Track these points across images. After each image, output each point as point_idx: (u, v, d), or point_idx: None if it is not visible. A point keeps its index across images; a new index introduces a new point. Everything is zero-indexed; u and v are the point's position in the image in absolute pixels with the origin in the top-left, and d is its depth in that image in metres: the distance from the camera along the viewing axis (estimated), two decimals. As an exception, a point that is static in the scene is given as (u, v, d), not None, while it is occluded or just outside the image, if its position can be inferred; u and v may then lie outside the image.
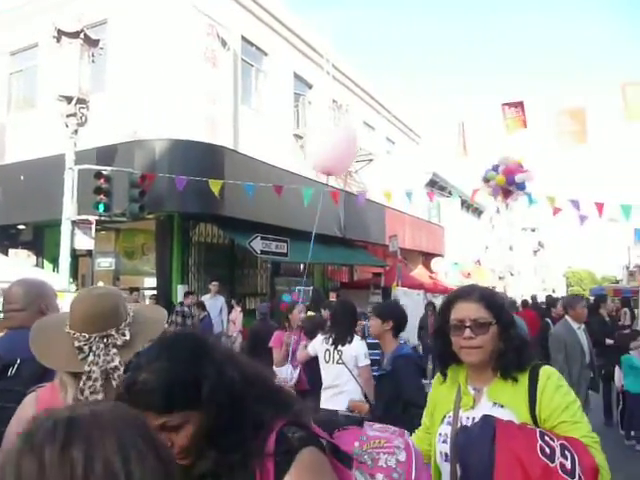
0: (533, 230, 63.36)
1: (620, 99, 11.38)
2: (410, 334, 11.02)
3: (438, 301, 17.72)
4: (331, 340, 4.23)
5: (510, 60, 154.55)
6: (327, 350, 4.24)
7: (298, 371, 5.12)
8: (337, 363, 4.16)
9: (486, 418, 1.54)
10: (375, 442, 1.36)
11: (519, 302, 20.79)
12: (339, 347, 4.16)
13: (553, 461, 1.38)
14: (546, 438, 1.45)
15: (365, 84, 19.12)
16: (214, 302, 10.40)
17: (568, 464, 1.39)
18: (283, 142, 14.26)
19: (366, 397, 4.18)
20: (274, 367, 5.12)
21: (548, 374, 1.67)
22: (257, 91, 14.00)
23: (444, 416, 1.78)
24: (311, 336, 4.76)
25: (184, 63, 10.90)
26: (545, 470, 1.36)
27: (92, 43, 8.82)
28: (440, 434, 1.76)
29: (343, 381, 4.13)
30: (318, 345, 4.38)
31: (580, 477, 1.37)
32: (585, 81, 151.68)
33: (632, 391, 6.69)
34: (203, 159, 10.17)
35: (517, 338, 1.71)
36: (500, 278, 38.41)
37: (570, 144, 12.05)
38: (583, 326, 5.59)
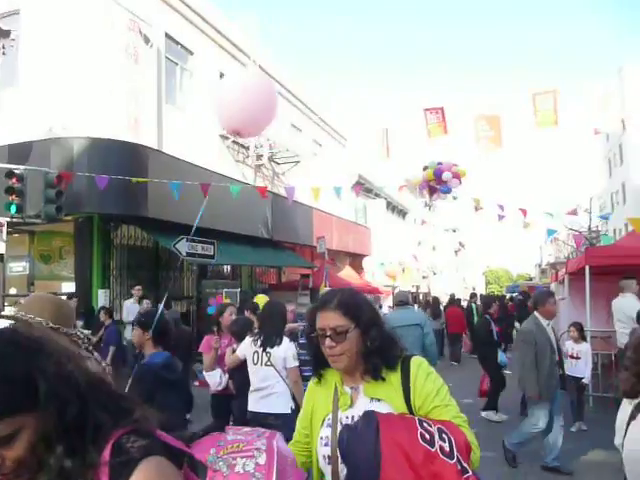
0: (454, 231, 66.00)
1: (531, 107, 12.22)
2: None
3: (365, 301, 18.09)
4: (259, 342, 4.22)
5: (433, 66, 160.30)
6: (255, 352, 4.22)
7: (227, 376, 5.06)
8: (265, 365, 4.16)
9: (368, 413, 1.56)
10: (233, 446, 1.32)
11: (446, 300, 21.59)
12: (268, 349, 4.16)
13: (433, 446, 1.43)
14: (424, 424, 1.50)
15: (292, 86, 19.19)
16: (137, 307, 10.00)
17: (447, 446, 1.45)
18: (209, 143, 14.04)
19: (294, 398, 4.21)
20: (204, 372, 5.02)
21: (418, 363, 1.74)
22: (182, 90, 13.70)
23: (324, 419, 1.78)
24: (240, 339, 4.72)
25: (104, 58, 10.49)
26: (427, 455, 1.41)
27: (2, 34, 8.31)
28: (321, 437, 1.76)
29: (272, 383, 4.13)
30: (246, 347, 4.35)
31: (458, 457, 1.44)
32: (500, 88, 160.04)
33: None
34: (125, 159, 9.84)
35: (379, 338, 1.72)
36: (424, 277, 39.81)
37: (487, 148, 12.76)
38: (552, 322, 5.47)
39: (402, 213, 34.89)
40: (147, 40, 11.62)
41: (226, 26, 15.12)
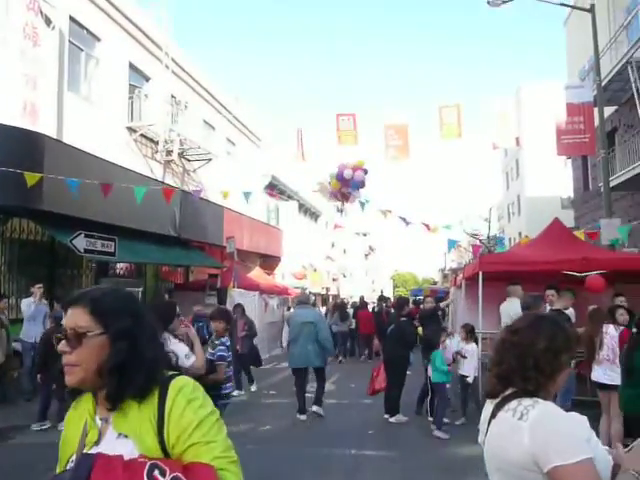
0: (365, 235, 67.78)
1: (437, 119, 12.80)
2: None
3: (274, 302, 18.10)
4: None
5: (347, 73, 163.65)
6: None
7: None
8: None
9: (84, 457, 1.30)
10: None
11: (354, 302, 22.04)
12: None
13: None
14: (155, 473, 1.24)
15: (206, 82, 18.82)
16: (39, 307, 9.20)
17: None
18: (115, 135, 13.42)
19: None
20: None
21: (179, 387, 1.39)
22: (87, 78, 12.99)
23: (68, 459, 1.41)
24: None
25: (-2, 37, 9.72)
26: None
27: None
28: None
29: None
30: None
31: None
32: (409, 100, 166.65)
33: (435, 381, 7.45)
34: (18, 146, 9.14)
35: (125, 352, 1.38)
36: (334, 279, 40.48)
37: (394, 157, 13.21)
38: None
39: (315, 216, 35.27)
40: (49, 22, 10.90)
41: (137, 14, 14.54)
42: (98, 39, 13.10)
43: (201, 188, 14.24)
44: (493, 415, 1.71)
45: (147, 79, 15.37)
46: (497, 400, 1.73)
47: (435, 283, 55.85)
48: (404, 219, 11.32)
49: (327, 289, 35.32)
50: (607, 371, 5.55)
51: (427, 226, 11.28)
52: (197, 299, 14.66)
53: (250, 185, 22.31)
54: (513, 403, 1.65)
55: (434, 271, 74.11)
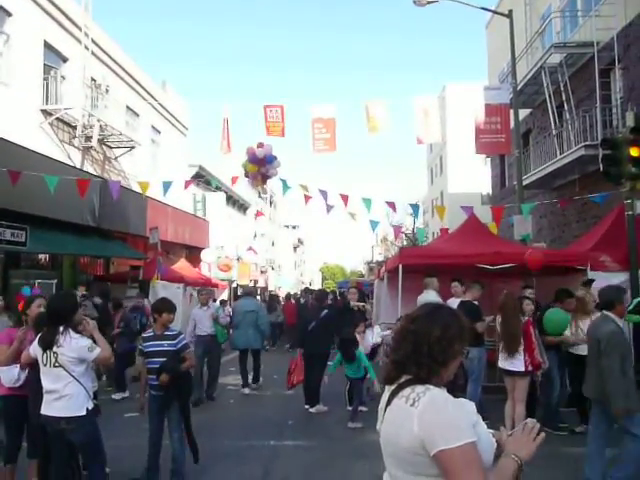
0: (294, 227, 68.00)
1: (364, 114, 12.99)
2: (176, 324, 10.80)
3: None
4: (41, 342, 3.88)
5: (275, 65, 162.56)
6: (44, 353, 3.87)
7: (26, 373, 4.58)
8: (54, 366, 3.82)
9: None
10: None
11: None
12: (54, 349, 3.83)
13: None
14: None
15: (130, 66, 18.09)
16: None
17: None
18: (28, 118, 12.64)
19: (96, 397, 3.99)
20: None
21: None
22: (-4, 55, 12.13)
23: None
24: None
25: None
26: None
27: None
28: None
29: (62, 385, 3.81)
30: (36, 346, 3.97)
31: None
32: (336, 95, 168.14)
33: (348, 375, 7.77)
34: None
35: None
36: (262, 272, 40.32)
37: (322, 149, 13.30)
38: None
39: (243, 207, 34.92)
40: (-49, -8, 10.08)
41: (53, -10, 13.72)
42: (9, 14, 12.24)
43: (119, 181, 13.73)
44: (388, 402, 1.77)
45: (65, 60, 14.55)
46: (393, 387, 1.78)
47: (362, 276, 57.00)
48: (324, 192, 11.27)
49: (255, 281, 35.12)
50: (510, 359, 5.89)
51: (344, 198, 11.20)
52: (118, 291, 14.15)
53: (175, 174, 21.78)
54: (407, 390, 1.71)
55: (362, 264, 75.55)
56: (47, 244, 11.28)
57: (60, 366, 3.80)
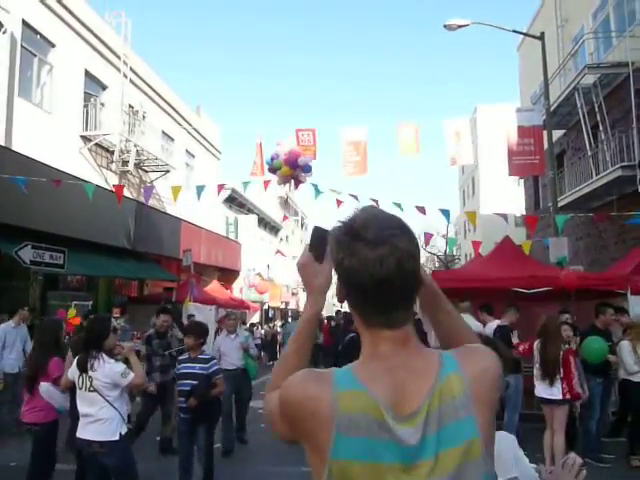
0: (325, 249, 67.94)
1: (395, 136, 13.02)
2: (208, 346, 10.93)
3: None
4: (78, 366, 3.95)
5: (305, 87, 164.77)
6: (80, 376, 3.94)
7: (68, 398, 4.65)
8: (89, 391, 3.88)
9: None
10: None
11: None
12: (89, 373, 3.89)
13: None
14: None
15: (166, 92, 18.64)
16: (19, 332, 8.64)
17: None
18: (68, 144, 13.10)
19: (130, 421, 4.02)
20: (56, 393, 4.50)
21: None
22: (40, 85, 12.66)
23: None
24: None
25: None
26: None
27: None
28: None
29: (97, 409, 3.86)
30: (74, 370, 4.04)
31: None
32: (366, 118, 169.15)
33: None
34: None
35: None
36: (293, 294, 40.36)
37: (353, 172, 13.35)
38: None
39: (274, 230, 35.19)
40: (0, 25, 10.61)
41: (95, 21, 14.31)
42: (52, 45, 12.81)
43: (152, 187, 14.21)
44: None
45: (104, 87, 15.10)
46: None
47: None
48: (355, 197, 11.35)
49: (286, 303, 35.16)
50: (548, 387, 5.71)
51: (376, 202, 11.28)
52: (152, 313, 14.35)
53: (210, 198, 22.16)
54: None
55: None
56: (84, 266, 11.57)
57: (95, 390, 3.85)
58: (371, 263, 1.07)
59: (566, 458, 1.73)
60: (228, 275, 23.24)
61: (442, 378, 1.08)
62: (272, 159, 11.44)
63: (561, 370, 5.59)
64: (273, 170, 11.52)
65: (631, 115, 12.64)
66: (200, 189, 11.85)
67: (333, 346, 15.11)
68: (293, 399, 1.11)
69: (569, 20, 17.35)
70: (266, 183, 11.58)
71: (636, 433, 6.37)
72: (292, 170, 11.62)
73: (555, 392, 5.59)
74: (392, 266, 1.07)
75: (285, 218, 21.82)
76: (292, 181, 11.81)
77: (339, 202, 11.60)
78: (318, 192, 11.82)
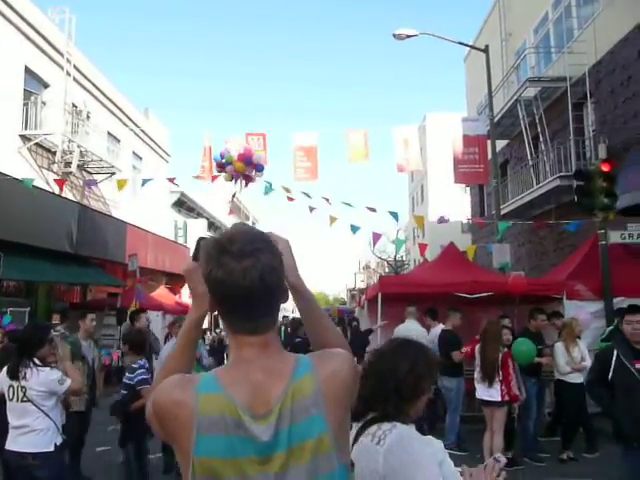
0: (276, 254, 67.70)
1: (344, 144, 13.16)
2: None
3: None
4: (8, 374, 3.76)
5: (257, 92, 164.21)
6: (11, 386, 3.75)
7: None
8: (22, 401, 3.70)
9: None
10: None
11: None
12: (21, 382, 3.72)
13: None
14: None
15: (112, 93, 18.14)
16: None
17: None
18: (6, 143, 12.54)
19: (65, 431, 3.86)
20: None
21: None
22: (-25, 80, 12.09)
23: None
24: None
25: None
26: None
27: None
28: None
29: (31, 420, 3.68)
30: (2, 380, 3.84)
31: None
32: (317, 124, 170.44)
33: None
34: None
35: None
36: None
37: (303, 177, 13.38)
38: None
39: (225, 234, 34.80)
40: None
41: (35, 16, 13.77)
42: (-10, 41, 12.26)
43: (96, 180, 14.01)
44: (355, 439, 1.74)
45: (46, 85, 14.55)
46: (360, 424, 1.76)
47: (344, 303, 56.86)
48: (307, 194, 11.47)
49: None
50: (488, 389, 5.88)
51: (327, 200, 11.51)
52: (95, 320, 13.89)
53: (157, 201, 21.69)
54: (373, 428, 1.69)
55: (344, 291, 75.50)
56: (22, 271, 11.08)
57: (28, 400, 3.68)
58: (236, 275, 1.18)
59: (492, 458, 1.79)
60: (176, 280, 22.79)
61: (296, 378, 1.20)
62: (221, 156, 11.31)
63: (500, 372, 5.77)
64: (222, 166, 11.37)
65: (569, 127, 13.24)
66: (147, 182, 11.74)
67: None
68: (161, 403, 1.20)
69: (513, 34, 18.04)
70: (214, 177, 11.51)
71: (568, 430, 6.63)
72: (245, 166, 11.55)
73: (494, 394, 5.77)
74: (255, 278, 1.18)
75: (231, 212, 21.55)
76: (241, 179, 11.71)
77: (290, 199, 11.74)
78: (270, 189, 11.83)
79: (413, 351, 1.81)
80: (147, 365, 5.03)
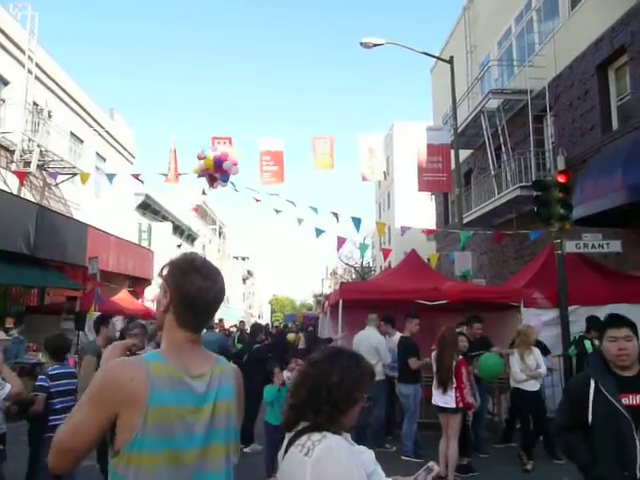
0: (244, 259, 67.40)
1: (310, 150, 13.20)
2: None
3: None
4: None
5: (222, 95, 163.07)
6: None
7: None
8: None
9: None
10: None
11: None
12: None
13: None
14: None
15: (75, 92, 17.75)
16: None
17: None
18: (-39, 140, 12.14)
19: None
20: None
21: None
22: None
23: None
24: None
25: None
26: None
27: None
28: None
29: None
30: None
31: None
32: (284, 131, 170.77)
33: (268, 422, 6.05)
34: None
35: None
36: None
37: (269, 181, 13.35)
38: None
39: (191, 238, 34.38)
40: None
41: (-4, 13, 13.41)
42: (-53, 35, 11.86)
43: (57, 173, 13.78)
44: (285, 450, 1.72)
45: (5, 83, 14.14)
46: (292, 434, 1.73)
47: (311, 309, 56.85)
48: (276, 194, 11.71)
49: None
50: (443, 395, 5.94)
51: (292, 203, 11.88)
52: (53, 323, 13.53)
53: (121, 203, 21.29)
54: (303, 438, 1.66)
55: (311, 297, 75.54)
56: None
57: None
58: (202, 290, 1.68)
59: (424, 468, 1.79)
60: (140, 284, 22.39)
61: (219, 363, 1.75)
62: (203, 151, 11.26)
63: (454, 379, 5.84)
64: (201, 158, 11.27)
65: (530, 139, 13.58)
66: (112, 177, 11.61)
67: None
68: (116, 373, 1.58)
69: (478, 46, 18.43)
70: (177, 175, 11.57)
71: (527, 439, 6.72)
72: (214, 167, 11.47)
73: (449, 400, 5.83)
74: (212, 296, 1.71)
75: (196, 209, 21.25)
76: (208, 177, 11.63)
77: (257, 200, 11.91)
78: (236, 190, 11.91)
79: (345, 360, 1.77)
80: (62, 370, 4.76)
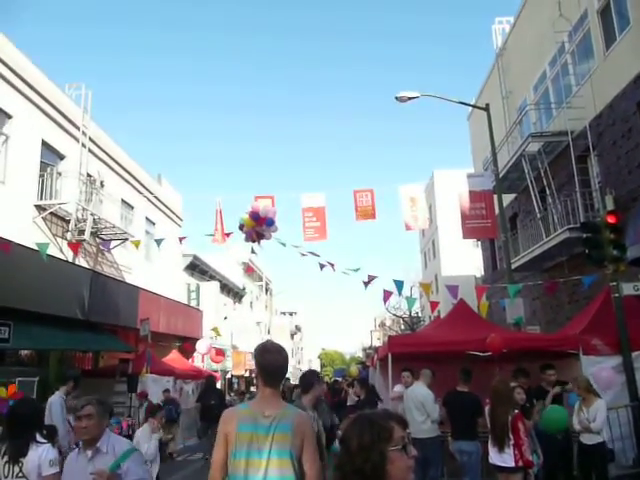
0: (291, 314, 67.43)
1: (352, 203, 13.33)
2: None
3: (189, 387, 17.26)
4: (5, 451, 3.65)
5: (264, 155, 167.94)
6: (6, 463, 3.64)
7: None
8: (17, 477, 3.59)
9: None
10: None
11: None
12: (20, 459, 3.60)
13: None
14: None
15: (125, 161, 18.72)
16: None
17: None
18: (22, 213, 12.89)
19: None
20: None
21: None
22: (-6, 155, 12.57)
23: None
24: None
25: None
26: None
27: None
28: None
29: None
30: None
31: None
32: (325, 185, 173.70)
33: None
34: None
35: None
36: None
37: (312, 237, 13.48)
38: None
39: (238, 295, 34.77)
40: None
41: (53, 92, 14.46)
42: (9, 116, 12.83)
43: (110, 240, 14.36)
44: None
45: (61, 157, 15.09)
46: None
47: (361, 362, 55.68)
48: (316, 254, 11.75)
49: (250, 371, 34.22)
50: (500, 454, 5.59)
51: (332, 265, 11.93)
52: (106, 386, 13.74)
53: (170, 265, 21.90)
54: None
55: (360, 349, 74.26)
56: (32, 339, 11.09)
57: (23, 477, 3.57)
58: (272, 361, 2.96)
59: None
60: (190, 343, 22.62)
61: (286, 408, 2.91)
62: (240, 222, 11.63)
63: (511, 436, 5.50)
64: (241, 227, 11.59)
65: (574, 180, 13.30)
66: (160, 242, 12.04)
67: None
68: (223, 416, 2.91)
69: (513, 92, 18.49)
70: (225, 236, 12.00)
71: None
72: (254, 222, 11.75)
73: (507, 459, 5.47)
74: (279, 364, 2.98)
75: (249, 270, 21.49)
76: (254, 235, 11.91)
77: (302, 254, 12.18)
78: (281, 243, 12.17)
79: (359, 423, 1.71)
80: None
